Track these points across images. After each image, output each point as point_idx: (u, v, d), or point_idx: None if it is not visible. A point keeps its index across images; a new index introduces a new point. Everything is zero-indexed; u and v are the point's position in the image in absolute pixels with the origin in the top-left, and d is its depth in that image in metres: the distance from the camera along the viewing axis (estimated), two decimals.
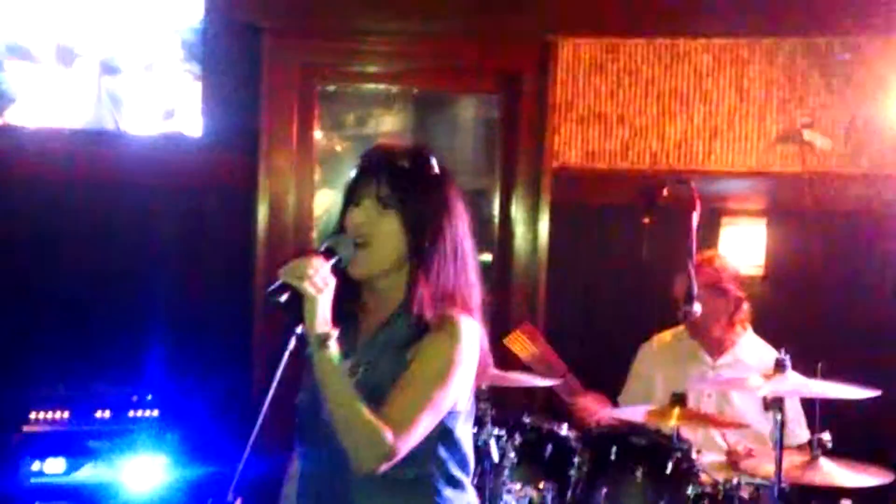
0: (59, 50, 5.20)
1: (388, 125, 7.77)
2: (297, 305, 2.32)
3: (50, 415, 4.69)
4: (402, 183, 2.44)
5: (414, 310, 2.39)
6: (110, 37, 5.24)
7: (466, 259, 2.49)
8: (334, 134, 7.59)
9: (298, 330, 2.34)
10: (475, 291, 2.50)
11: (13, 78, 5.20)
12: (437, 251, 2.43)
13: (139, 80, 5.29)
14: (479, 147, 6.99)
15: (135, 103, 5.31)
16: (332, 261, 2.38)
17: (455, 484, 2.47)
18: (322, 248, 2.41)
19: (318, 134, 6.82)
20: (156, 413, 4.81)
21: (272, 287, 2.33)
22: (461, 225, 2.50)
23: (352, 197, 2.48)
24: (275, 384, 2.32)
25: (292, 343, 2.34)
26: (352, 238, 2.43)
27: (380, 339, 2.47)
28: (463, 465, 2.50)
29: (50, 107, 5.23)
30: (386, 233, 2.43)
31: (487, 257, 6.05)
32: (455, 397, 2.42)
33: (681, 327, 4.74)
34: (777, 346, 4.53)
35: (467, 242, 2.51)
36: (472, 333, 2.42)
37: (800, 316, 5.25)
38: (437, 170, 2.50)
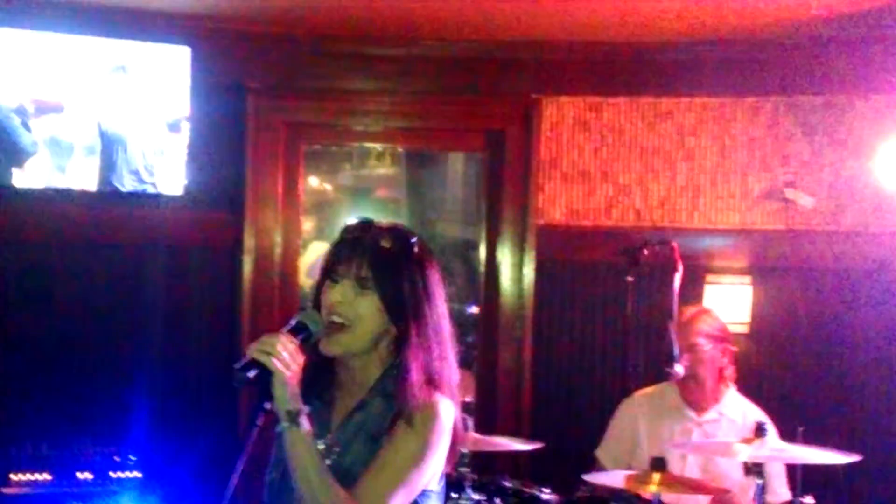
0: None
1: (381, 177, 7.83)
2: (266, 381, 2.31)
3: (31, 476, 4.67)
4: (383, 264, 2.42)
5: (401, 402, 2.37)
6: (100, 98, 5.25)
7: (444, 341, 2.48)
8: (326, 185, 7.64)
9: (267, 406, 2.33)
10: (453, 371, 2.49)
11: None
12: (420, 333, 2.42)
13: (132, 138, 5.30)
14: (469, 197, 7.03)
15: (125, 162, 5.31)
16: (301, 337, 2.38)
17: None
18: (291, 324, 2.41)
19: (313, 181, 6.85)
20: (138, 474, 4.79)
21: (240, 363, 2.33)
22: (441, 305, 2.48)
23: (331, 273, 2.46)
24: (242, 461, 2.32)
25: (261, 419, 2.34)
26: (328, 316, 2.41)
27: (353, 422, 2.45)
28: None
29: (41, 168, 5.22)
30: (364, 314, 2.41)
31: (474, 309, 6.07)
32: (429, 477, 2.41)
33: (664, 383, 4.72)
34: (761, 404, 4.54)
35: (446, 323, 2.50)
36: (448, 416, 2.41)
37: (784, 374, 5.24)
38: (418, 251, 2.48)
